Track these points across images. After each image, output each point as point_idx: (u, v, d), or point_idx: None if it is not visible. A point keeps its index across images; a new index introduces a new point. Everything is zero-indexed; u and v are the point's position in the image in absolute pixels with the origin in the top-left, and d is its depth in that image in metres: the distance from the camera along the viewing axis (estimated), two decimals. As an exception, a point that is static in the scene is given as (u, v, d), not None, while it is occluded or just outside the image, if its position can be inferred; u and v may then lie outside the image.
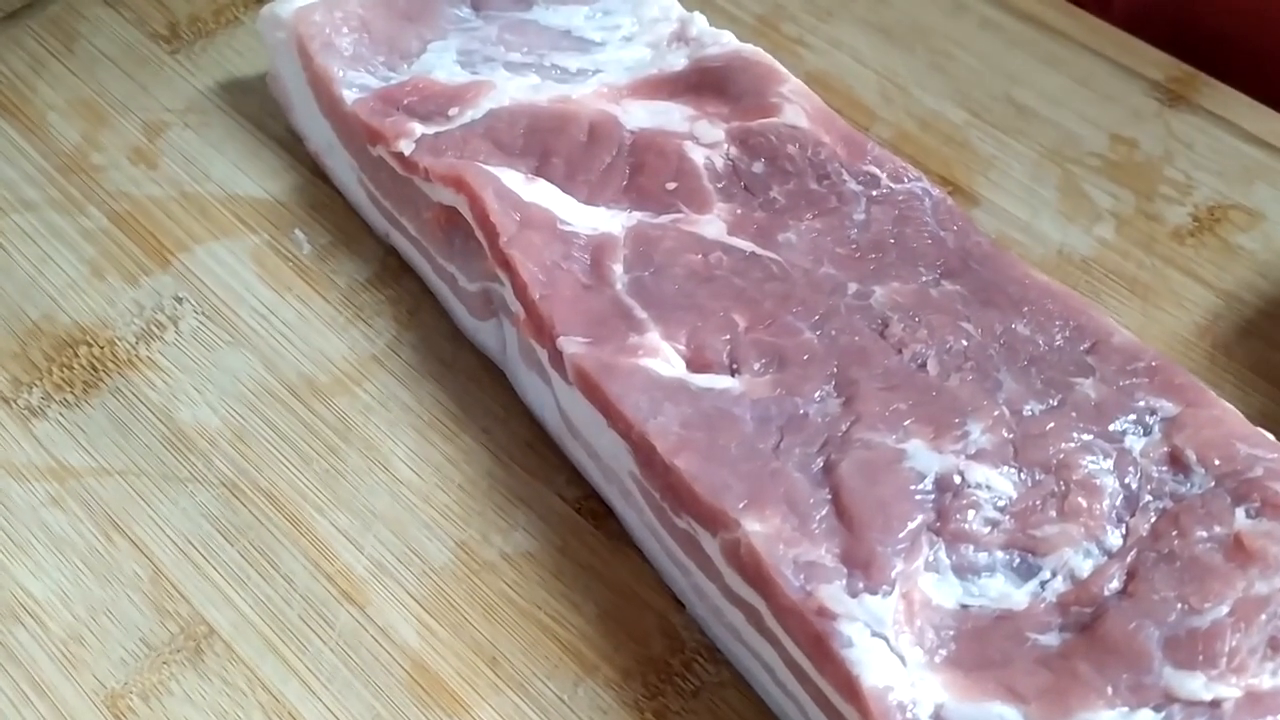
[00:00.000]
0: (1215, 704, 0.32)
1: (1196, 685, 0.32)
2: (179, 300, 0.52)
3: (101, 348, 0.51)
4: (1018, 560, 0.36)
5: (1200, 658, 0.32)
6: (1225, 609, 0.34)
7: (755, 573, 0.37)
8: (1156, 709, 0.32)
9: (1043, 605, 0.35)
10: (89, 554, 0.45)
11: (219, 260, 0.53)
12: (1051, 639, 0.34)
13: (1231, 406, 0.40)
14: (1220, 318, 0.52)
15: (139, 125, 0.58)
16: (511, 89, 0.51)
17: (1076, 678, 0.33)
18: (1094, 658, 0.33)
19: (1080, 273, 0.53)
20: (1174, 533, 0.35)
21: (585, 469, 0.46)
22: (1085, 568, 0.36)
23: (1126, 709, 0.32)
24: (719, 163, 0.48)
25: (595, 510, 0.46)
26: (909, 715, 0.33)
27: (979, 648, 0.34)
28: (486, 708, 0.42)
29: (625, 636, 0.43)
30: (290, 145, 0.57)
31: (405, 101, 0.51)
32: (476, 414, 0.49)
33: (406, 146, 0.49)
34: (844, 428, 0.39)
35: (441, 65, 0.52)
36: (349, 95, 0.51)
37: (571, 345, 0.43)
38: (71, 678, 0.43)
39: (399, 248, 0.53)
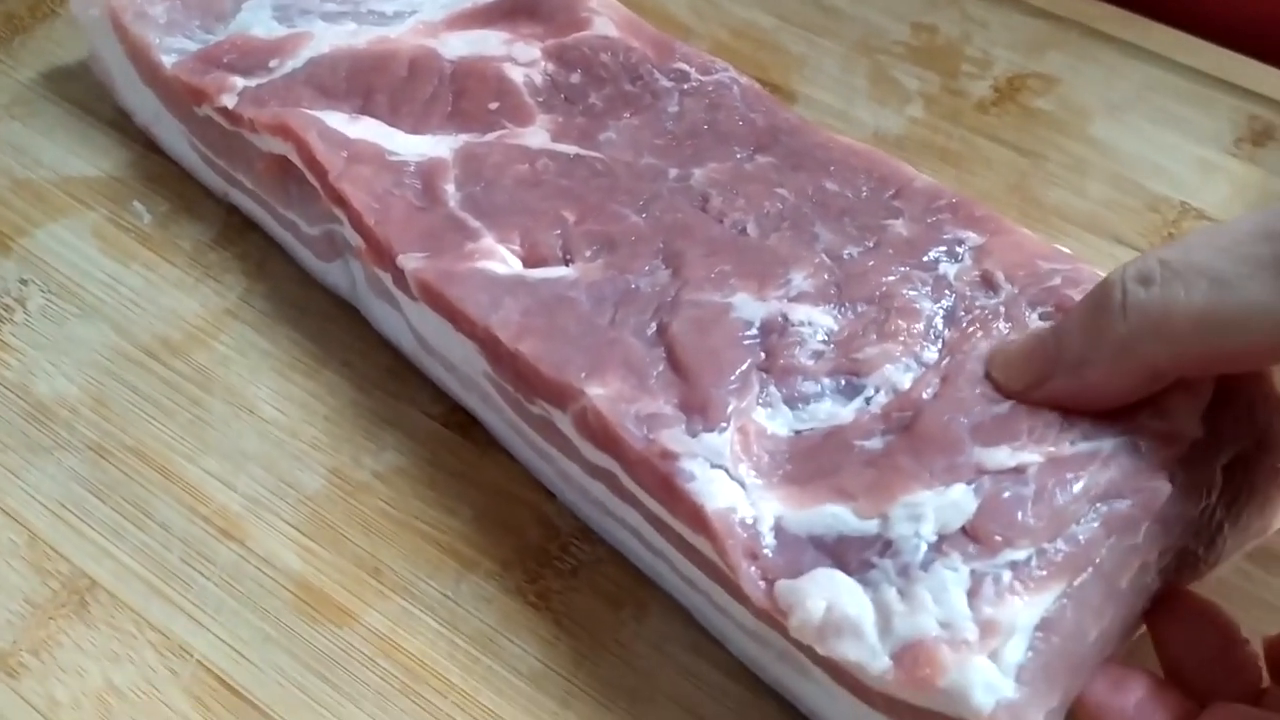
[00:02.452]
0: (1019, 469, 0.34)
1: (1002, 456, 0.35)
2: (24, 282, 0.52)
3: (-50, 338, 0.51)
4: (843, 383, 0.39)
5: (1004, 434, 0.35)
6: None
7: (604, 435, 0.39)
8: (969, 482, 0.35)
9: (867, 417, 0.37)
10: (-39, 531, 0.45)
11: (60, 240, 0.54)
12: (876, 443, 0.37)
13: (1029, 232, 0.44)
14: (1027, 174, 0.55)
15: (-36, 125, 0.58)
16: (330, 37, 0.52)
17: (898, 469, 0.35)
18: (912, 450, 0.36)
19: (896, 149, 0.56)
20: (979, 335, 0.38)
21: (445, 384, 0.48)
22: (906, 380, 0.38)
23: (942, 486, 0.34)
24: (538, 79, 0.50)
25: (461, 422, 0.48)
26: (752, 531, 0.36)
27: (812, 463, 0.37)
28: (374, 614, 0.43)
29: (502, 531, 0.45)
30: (121, 125, 0.58)
31: (225, 59, 0.51)
32: (335, 350, 0.50)
33: (229, 100, 0.50)
34: (673, 293, 0.41)
35: (258, 22, 0.53)
36: (168, 60, 0.52)
37: (411, 261, 0.44)
38: (-43, 648, 0.43)
39: (240, 205, 0.54)
